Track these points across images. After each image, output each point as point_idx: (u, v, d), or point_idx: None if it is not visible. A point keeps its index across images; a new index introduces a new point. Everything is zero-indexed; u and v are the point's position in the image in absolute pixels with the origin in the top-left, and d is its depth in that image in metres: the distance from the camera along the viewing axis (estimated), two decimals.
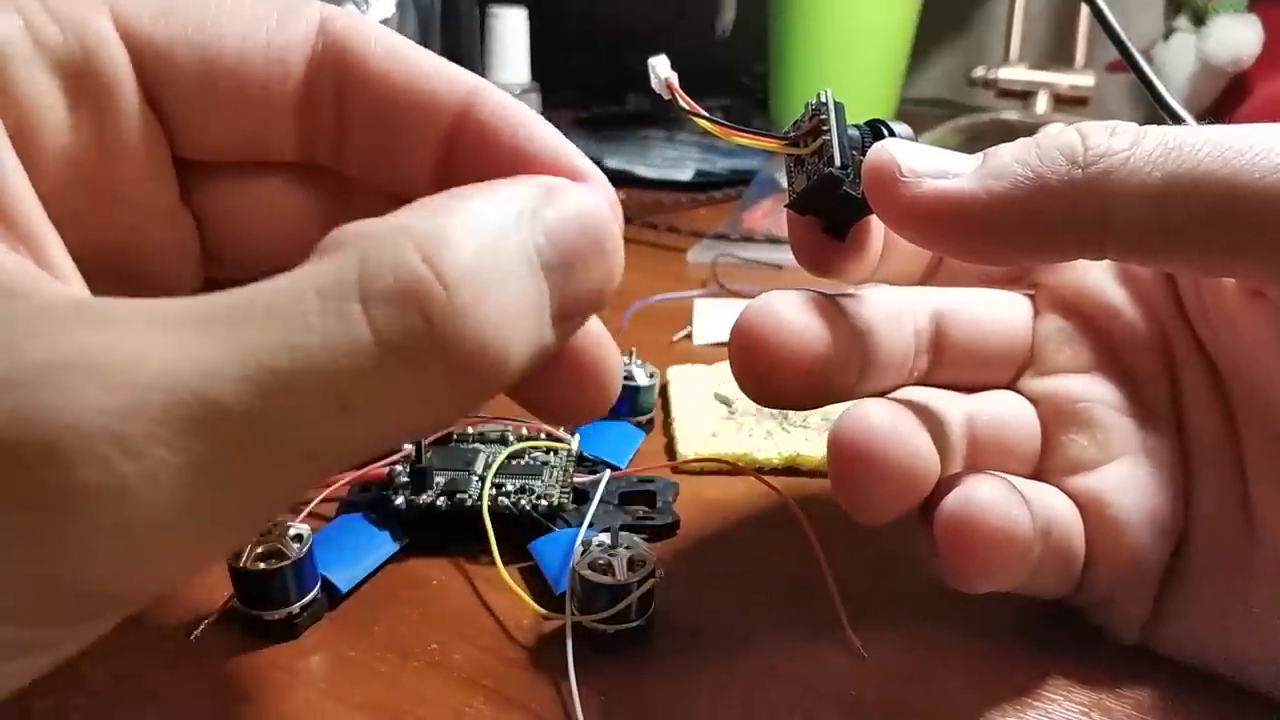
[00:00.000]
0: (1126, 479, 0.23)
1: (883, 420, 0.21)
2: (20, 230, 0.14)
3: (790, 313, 0.21)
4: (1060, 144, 0.19)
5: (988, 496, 0.20)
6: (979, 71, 0.80)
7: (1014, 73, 0.79)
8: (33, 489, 0.11)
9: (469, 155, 0.18)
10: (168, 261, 0.19)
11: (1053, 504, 0.22)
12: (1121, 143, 0.18)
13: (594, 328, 0.18)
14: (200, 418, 0.12)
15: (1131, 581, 0.23)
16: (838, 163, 0.20)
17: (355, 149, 0.19)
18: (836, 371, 0.21)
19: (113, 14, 0.17)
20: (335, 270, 0.13)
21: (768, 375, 0.21)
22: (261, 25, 0.18)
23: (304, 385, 0.12)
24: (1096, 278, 0.24)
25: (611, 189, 0.17)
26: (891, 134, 0.21)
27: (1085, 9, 0.76)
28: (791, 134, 0.21)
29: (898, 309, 0.23)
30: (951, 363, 0.24)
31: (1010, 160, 0.19)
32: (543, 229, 0.15)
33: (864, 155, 0.20)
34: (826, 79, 0.79)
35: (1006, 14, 0.83)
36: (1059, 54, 0.91)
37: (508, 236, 0.14)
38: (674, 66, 0.21)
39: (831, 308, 0.22)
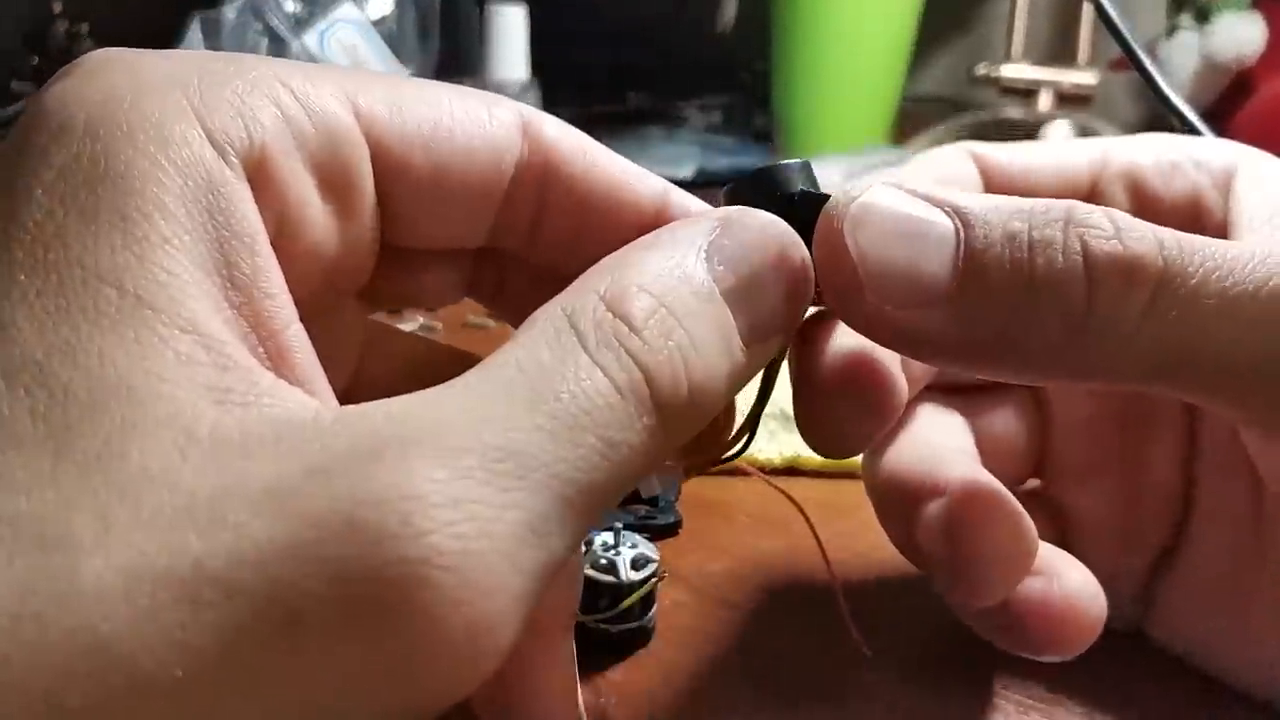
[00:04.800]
0: (1116, 491, 0.23)
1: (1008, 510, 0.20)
2: (279, 344, 0.15)
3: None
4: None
5: (1078, 586, 0.20)
6: (981, 69, 0.80)
7: (1016, 70, 0.78)
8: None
9: None
10: (334, 343, 0.19)
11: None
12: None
13: None
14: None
15: (1111, 588, 0.23)
16: None
17: (548, 241, 0.19)
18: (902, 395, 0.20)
19: (354, 108, 0.17)
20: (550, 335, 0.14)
21: (851, 429, 0.20)
22: (479, 126, 0.18)
23: (575, 430, 0.13)
24: None
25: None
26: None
27: (1088, 6, 0.75)
28: None
29: None
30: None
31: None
32: (719, 258, 0.16)
33: None
34: (827, 76, 0.79)
35: (1009, 11, 0.83)
36: (1062, 52, 0.90)
37: (687, 276, 0.15)
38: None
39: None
